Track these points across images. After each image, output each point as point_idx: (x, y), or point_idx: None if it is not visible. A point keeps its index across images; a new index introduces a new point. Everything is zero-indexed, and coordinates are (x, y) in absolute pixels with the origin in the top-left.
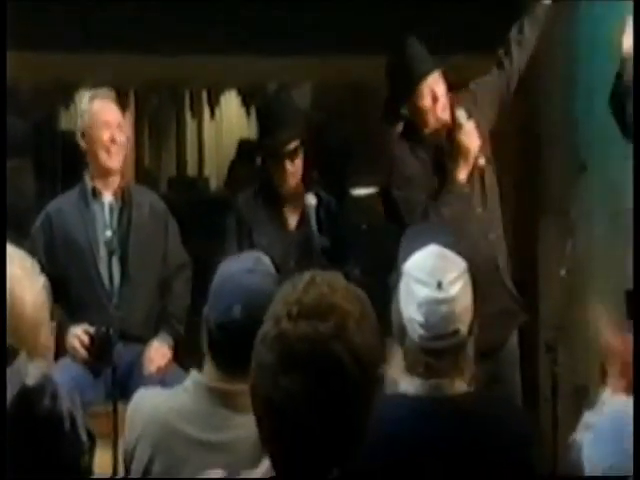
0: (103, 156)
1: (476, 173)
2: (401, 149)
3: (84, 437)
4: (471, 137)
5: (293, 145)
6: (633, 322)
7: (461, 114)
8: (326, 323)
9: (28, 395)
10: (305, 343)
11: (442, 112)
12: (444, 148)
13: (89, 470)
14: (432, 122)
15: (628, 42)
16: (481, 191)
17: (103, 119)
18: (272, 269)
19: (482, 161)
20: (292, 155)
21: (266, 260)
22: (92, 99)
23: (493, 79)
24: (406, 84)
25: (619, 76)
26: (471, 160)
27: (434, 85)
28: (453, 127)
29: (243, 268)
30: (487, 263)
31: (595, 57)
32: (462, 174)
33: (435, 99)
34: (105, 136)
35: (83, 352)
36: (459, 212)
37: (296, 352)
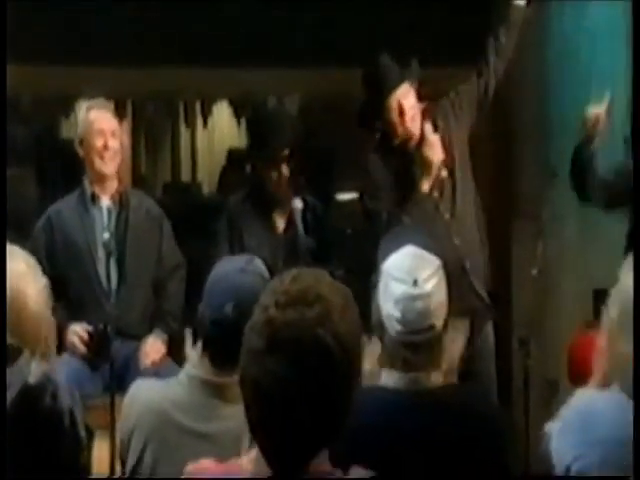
0: (98, 162)
1: (447, 183)
2: (373, 158)
3: (83, 433)
4: (434, 150)
5: (286, 151)
6: (633, 317)
7: (427, 127)
8: (312, 310)
9: (30, 393)
10: (292, 328)
11: (411, 124)
12: (413, 159)
13: (87, 465)
14: (401, 133)
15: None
16: (452, 198)
17: (98, 127)
18: (264, 270)
19: (444, 173)
20: (284, 161)
21: (258, 262)
22: (89, 109)
23: (472, 86)
24: (375, 97)
25: (578, 151)
26: (434, 172)
27: (402, 98)
28: (421, 139)
29: (236, 268)
30: (453, 265)
31: (566, 62)
32: (425, 185)
33: (402, 112)
34: (99, 143)
35: (82, 348)
36: (424, 219)
37: (283, 337)
